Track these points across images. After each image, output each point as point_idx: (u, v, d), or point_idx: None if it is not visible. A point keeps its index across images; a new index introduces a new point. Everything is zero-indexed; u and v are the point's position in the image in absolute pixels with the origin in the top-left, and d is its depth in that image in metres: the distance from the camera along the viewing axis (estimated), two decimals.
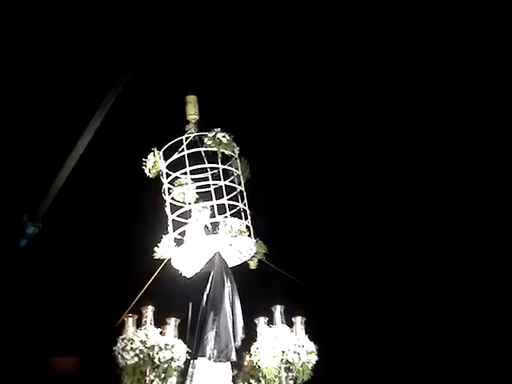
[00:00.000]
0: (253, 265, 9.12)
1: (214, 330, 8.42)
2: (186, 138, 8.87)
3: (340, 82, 11.04)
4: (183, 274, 8.93)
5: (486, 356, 11.57)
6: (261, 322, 8.70)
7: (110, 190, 11.58)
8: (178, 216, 8.91)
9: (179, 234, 8.84)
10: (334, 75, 10.93)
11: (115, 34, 9.71)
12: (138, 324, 8.49)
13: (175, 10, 8.98)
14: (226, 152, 8.86)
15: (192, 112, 9.07)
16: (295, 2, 10.11)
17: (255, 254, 9.00)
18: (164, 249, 8.75)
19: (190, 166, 8.73)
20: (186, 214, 9.01)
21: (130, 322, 8.50)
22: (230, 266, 8.98)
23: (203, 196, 9.09)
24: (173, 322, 8.64)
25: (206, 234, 8.93)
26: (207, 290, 8.65)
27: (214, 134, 8.79)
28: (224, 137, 8.80)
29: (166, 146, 8.93)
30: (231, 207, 8.83)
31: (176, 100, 9.20)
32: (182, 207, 8.96)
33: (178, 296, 9.09)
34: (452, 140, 11.64)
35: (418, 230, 12.15)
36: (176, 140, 8.85)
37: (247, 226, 8.77)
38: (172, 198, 9.03)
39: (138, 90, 9.50)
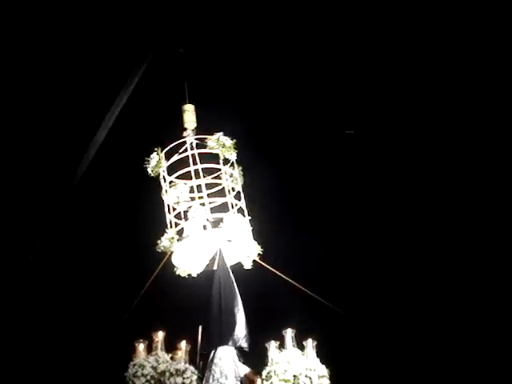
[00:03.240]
0: (247, 264, 9.28)
1: (229, 319, 8.55)
2: (187, 142, 9.23)
3: (338, 85, 11.29)
4: (182, 273, 9.11)
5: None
6: (272, 346, 8.67)
7: (115, 203, 11.65)
8: (176, 217, 9.13)
9: (178, 232, 9.00)
10: (333, 81, 11.21)
11: (119, 39, 10.14)
12: (149, 349, 8.47)
13: (174, 13, 9.49)
14: (227, 156, 9.20)
15: (189, 120, 9.41)
16: (293, 6, 10.37)
17: (250, 253, 9.19)
18: (166, 242, 8.91)
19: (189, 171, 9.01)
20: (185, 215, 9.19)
21: (141, 347, 8.47)
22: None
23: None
24: (183, 347, 8.62)
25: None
26: (215, 284, 8.76)
27: (217, 136, 9.19)
28: (226, 140, 9.20)
29: (168, 148, 9.25)
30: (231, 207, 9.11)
31: (175, 107, 9.55)
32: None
33: (189, 321, 9.08)
34: (453, 140, 11.67)
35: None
36: (177, 142, 9.21)
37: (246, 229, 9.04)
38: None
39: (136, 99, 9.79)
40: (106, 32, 10.19)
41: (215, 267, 8.99)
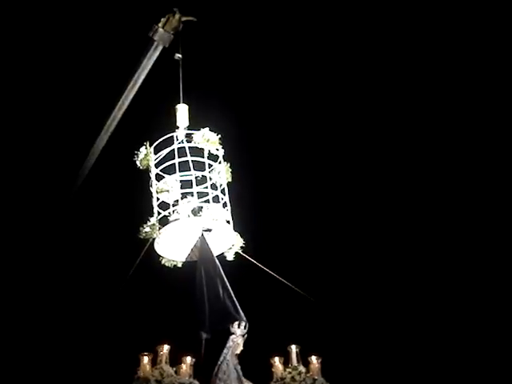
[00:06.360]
0: (230, 256, 9.45)
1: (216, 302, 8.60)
2: (176, 136, 9.54)
3: (326, 85, 11.56)
4: (167, 263, 9.33)
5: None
6: (276, 362, 8.70)
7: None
8: (162, 208, 9.31)
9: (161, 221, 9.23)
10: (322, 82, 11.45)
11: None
12: (153, 363, 8.47)
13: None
14: (212, 151, 9.45)
15: (182, 119, 9.75)
16: (291, 6, 10.72)
17: (232, 245, 9.39)
18: (147, 228, 9.17)
19: (178, 164, 9.30)
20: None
21: (146, 360, 8.47)
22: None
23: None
24: (188, 361, 8.62)
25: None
26: (198, 271, 8.87)
27: (203, 132, 9.46)
28: (212, 135, 9.47)
29: (157, 142, 9.55)
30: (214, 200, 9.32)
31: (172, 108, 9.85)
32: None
33: (194, 334, 9.09)
34: (451, 140, 11.70)
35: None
36: (167, 136, 9.50)
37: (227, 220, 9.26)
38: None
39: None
40: (107, 36, 10.37)
41: (198, 257, 9.14)
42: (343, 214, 12.27)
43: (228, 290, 8.66)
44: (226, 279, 8.74)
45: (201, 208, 9.08)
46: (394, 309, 11.85)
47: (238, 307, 8.54)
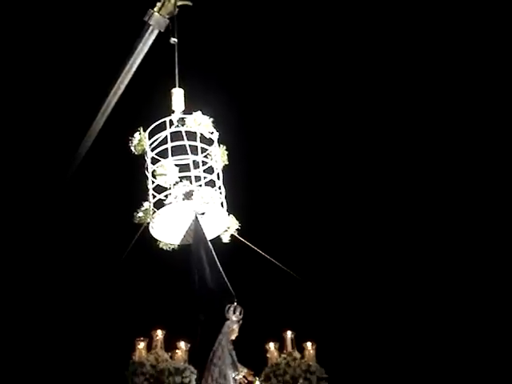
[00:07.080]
0: (226, 238, 9.49)
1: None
2: (170, 120, 9.52)
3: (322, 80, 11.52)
4: (164, 246, 9.37)
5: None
6: (271, 347, 8.74)
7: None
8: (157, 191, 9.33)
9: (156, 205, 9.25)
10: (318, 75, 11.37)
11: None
12: (149, 348, 8.51)
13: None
14: (206, 135, 9.44)
15: (178, 103, 9.73)
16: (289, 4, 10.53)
17: (227, 228, 9.42)
18: (141, 213, 9.24)
19: (172, 148, 9.31)
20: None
21: (141, 345, 8.50)
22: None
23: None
24: (183, 346, 8.65)
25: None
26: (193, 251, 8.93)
27: (195, 115, 9.47)
28: (203, 118, 9.47)
29: (152, 126, 9.55)
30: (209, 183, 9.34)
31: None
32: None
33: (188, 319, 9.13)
34: (451, 140, 11.68)
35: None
36: (161, 121, 9.49)
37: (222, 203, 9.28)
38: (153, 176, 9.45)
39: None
40: (103, 21, 10.41)
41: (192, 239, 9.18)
42: (339, 198, 12.29)
43: (220, 272, 8.69)
44: (218, 262, 8.76)
45: (192, 191, 9.09)
46: (389, 296, 11.89)
47: (231, 290, 8.58)
